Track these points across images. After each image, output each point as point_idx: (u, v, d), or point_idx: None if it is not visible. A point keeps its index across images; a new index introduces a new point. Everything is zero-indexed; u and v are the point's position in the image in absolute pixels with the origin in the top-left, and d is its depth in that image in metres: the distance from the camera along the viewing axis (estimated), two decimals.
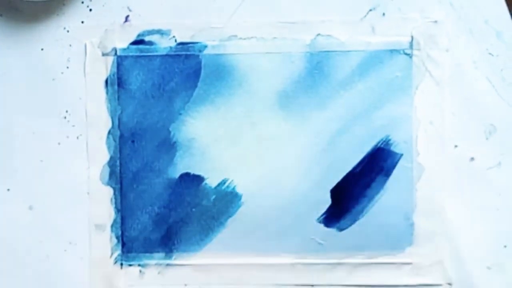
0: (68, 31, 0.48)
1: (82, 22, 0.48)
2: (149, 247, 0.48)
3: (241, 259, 0.48)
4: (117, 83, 0.48)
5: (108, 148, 0.48)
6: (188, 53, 0.48)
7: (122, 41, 0.48)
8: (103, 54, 0.48)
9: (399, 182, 0.47)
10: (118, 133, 0.48)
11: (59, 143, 0.48)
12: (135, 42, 0.48)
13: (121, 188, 0.48)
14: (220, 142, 0.48)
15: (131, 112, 0.48)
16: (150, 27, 0.48)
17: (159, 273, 0.48)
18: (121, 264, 0.49)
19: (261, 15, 0.48)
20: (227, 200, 0.48)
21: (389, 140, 0.47)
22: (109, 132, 0.48)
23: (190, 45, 0.48)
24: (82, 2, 0.48)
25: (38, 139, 0.48)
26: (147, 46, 0.48)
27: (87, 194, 0.48)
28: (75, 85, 0.48)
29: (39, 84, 0.48)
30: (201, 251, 0.48)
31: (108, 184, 0.48)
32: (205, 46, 0.48)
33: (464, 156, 0.47)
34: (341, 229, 0.48)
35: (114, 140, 0.48)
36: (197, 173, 0.48)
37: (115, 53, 0.48)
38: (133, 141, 0.48)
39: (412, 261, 0.47)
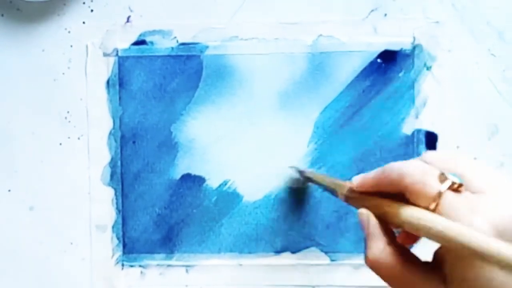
0: (69, 32, 0.48)
1: (84, 22, 0.48)
2: (150, 248, 0.48)
3: (241, 259, 0.48)
4: (119, 84, 0.48)
5: (109, 148, 0.48)
6: (190, 53, 0.48)
7: (123, 42, 0.48)
8: (105, 55, 0.48)
9: None
10: (119, 133, 0.48)
11: (60, 144, 0.48)
12: (137, 43, 0.48)
13: (122, 189, 0.48)
14: (221, 143, 0.48)
15: (132, 112, 0.48)
16: (151, 28, 0.48)
17: (160, 273, 0.48)
18: (122, 265, 0.48)
19: (262, 15, 0.48)
20: (228, 201, 0.48)
21: (391, 140, 0.47)
22: (110, 133, 0.48)
23: (192, 45, 0.48)
24: (84, 3, 0.48)
25: (39, 139, 0.48)
26: (149, 47, 0.48)
27: (88, 194, 0.48)
28: (76, 86, 0.48)
29: (40, 84, 0.48)
30: (202, 251, 0.48)
31: (109, 184, 0.48)
32: (207, 47, 0.48)
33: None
34: (342, 230, 0.48)
35: (115, 141, 0.48)
36: (198, 174, 0.48)
37: (117, 54, 0.48)
38: (134, 142, 0.48)
39: None
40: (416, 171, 0.31)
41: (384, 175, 0.33)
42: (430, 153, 0.33)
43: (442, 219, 0.29)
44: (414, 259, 0.32)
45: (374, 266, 0.33)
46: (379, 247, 0.33)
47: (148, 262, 0.48)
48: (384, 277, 0.33)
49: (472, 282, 0.28)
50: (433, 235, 0.29)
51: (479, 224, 0.28)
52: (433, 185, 0.30)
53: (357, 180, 0.35)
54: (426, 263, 0.32)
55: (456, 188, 0.30)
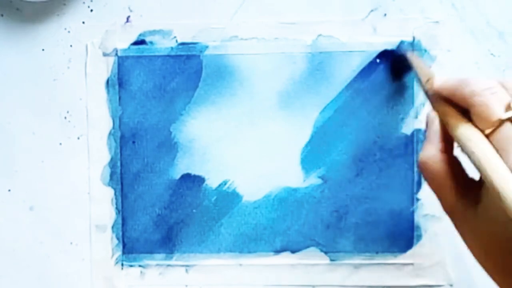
0: (69, 32, 0.48)
1: (83, 22, 0.48)
2: (150, 248, 0.48)
3: (241, 259, 0.48)
4: (118, 84, 0.48)
5: (109, 148, 0.48)
6: (189, 53, 0.48)
7: (123, 42, 0.48)
8: (104, 55, 0.48)
9: (400, 182, 0.47)
10: (119, 133, 0.48)
11: (60, 144, 0.48)
12: (136, 43, 0.48)
13: (121, 189, 0.48)
14: (221, 143, 0.48)
15: (132, 112, 0.48)
16: (151, 28, 0.48)
17: (160, 273, 0.48)
18: (122, 265, 0.49)
19: (262, 15, 0.48)
20: (228, 201, 0.48)
21: (390, 140, 0.47)
22: (110, 133, 0.48)
23: (191, 45, 0.48)
24: (83, 3, 0.48)
25: (38, 139, 0.48)
26: (148, 47, 0.48)
27: (88, 194, 0.48)
28: (76, 86, 0.48)
29: (40, 84, 0.48)
30: (202, 251, 0.48)
31: (109, 184, 0.48)
32: (206, 47, 0.48)
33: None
34: (342, 230, 0.48)
35: (115, 141, 0.48)
36: (198, 173, 0.48)
37: (116, 54, 0.48)
38: (134, 142, 0.48)
39: (414, 262, 0.47)
40: (487, 92, 0.30)
41: (460, 87, 0.33)
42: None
43: (485, 148, 0.29)
44: (460, 174, 0.33)
45: (422, 167, 0.34)
46: (431, 151, 0.33)
47: (148, 262, 0.48)
48: (427, 180, 0.34)
49: (495, 211, 0.29)
50: (472, 161, 0.30)
51: None
52: (496, 111, 0.30)
53: (439, 82, 0.35)
54: (471, 181, 0.32)
55: None
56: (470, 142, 0.30)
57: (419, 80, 0.39)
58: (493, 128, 0.30)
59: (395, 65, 0.46)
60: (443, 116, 0.34)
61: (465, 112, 0.32)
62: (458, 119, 0.32)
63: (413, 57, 0.44)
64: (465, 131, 0.31)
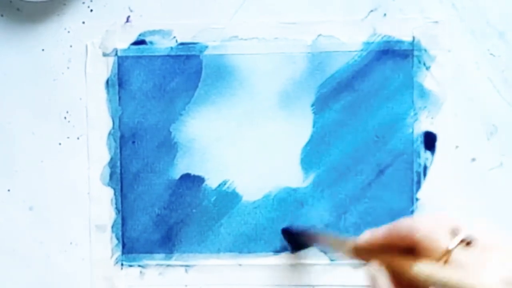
0: (69, 32, 0.48)
1: (83, 22, 0.48)
2: (149, 248, 0.48)
3: (241, 259, 0.48)
4: (118, 84, 0.48)
5: (109, 148, 0.48)
6: (189, 53, 0.48)
7: (123, 42, 0.48)
8: (104, 55, 0.48)
9: (400, 182, 0.47)
10: (118, 133, 0.48)
11: (59, 144, 0.48)
12: (136, 43, 0.48)
13: (121, 189, 0.48)
14: (221, 143, 0.48)
15: (132, 112, 0.48)
16: (151, 28, 0.48)
17: (159, 273, 0.48)
18: (122, 265, 0.49)
19: (262, 15, 0.48)
20: (227, 201, 0.48)
21: (390, 140, 0.47)
22: (109, 133, 0.48)
23: (191, 45, 0.48)
24: (83, 3, 0.48)
25: (38, 139, 0.48)
26: (148, 47, 0.48)
27: (88, 194, 0.48)
28: (76, 86, 0.48)
29: (40, 84, 0.48)
30: (202, 251, 0.48)
31: (109, 184, 0.48)
32: (206, 47, 0.48)
33: (465, 156, 0.47)
34: (342, 230, 0.48)
35: (115, 141, 0.48)
36: (197, 173, 0.48)
37: (116, 54, 0.48)
38: (133, 142, 0.48)
39: None
40: (427, 226, 0.32)
41: (395, 230, 0.34)
42: (437, 212, 0.35)
43: (453, 273, 0.30)
44: None
45: None
46: None
47: (148, 262, 0.48)
48: None
49: None
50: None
51: (489, 279, 0.29)
52: (444, 240, 0.31)
53: (366, 237, 0.36)
54: None
55: (466, 244, 0.31)
56: (433, 275, 0.31)
57: (340, 252, 0.40)
58: (445, 257, 0.31)
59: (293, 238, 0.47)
60: (388, 263, 0.34)
61: (406, 251, 0.33)
62: (405, 261, 0.33)
63: (319, 236, 0.45)
64: (423, 268, 0.32)
